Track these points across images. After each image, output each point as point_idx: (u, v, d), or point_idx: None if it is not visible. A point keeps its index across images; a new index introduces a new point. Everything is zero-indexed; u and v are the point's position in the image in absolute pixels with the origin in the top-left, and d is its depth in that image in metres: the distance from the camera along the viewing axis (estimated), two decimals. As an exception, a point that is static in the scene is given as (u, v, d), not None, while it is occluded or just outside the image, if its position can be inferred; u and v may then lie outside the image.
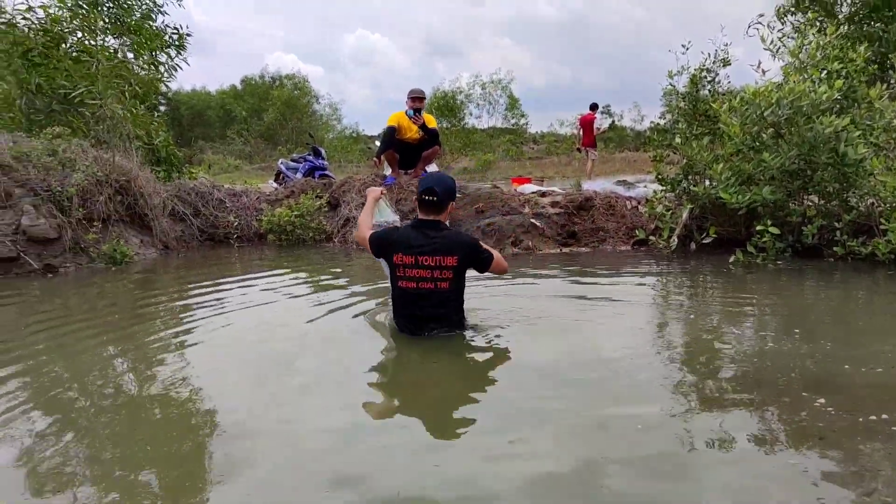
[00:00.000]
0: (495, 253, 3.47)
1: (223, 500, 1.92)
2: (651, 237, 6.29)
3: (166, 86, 9.97)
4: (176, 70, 9.61)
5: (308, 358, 3.33)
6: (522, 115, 37.37)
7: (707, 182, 6.11)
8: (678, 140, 6.30)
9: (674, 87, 6.65)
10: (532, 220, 6.93)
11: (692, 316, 4.11)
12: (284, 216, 7.70)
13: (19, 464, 2.18)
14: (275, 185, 12.84)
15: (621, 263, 6.00)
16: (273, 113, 33.04)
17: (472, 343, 3.40)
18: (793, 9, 13.61)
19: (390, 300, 3.54)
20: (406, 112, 8.54)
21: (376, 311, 4.09)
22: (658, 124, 6.99)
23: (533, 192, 8.35)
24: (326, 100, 37.77)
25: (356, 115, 75.98)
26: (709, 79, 6.50)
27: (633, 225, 6.96)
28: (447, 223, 3.44)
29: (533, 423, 2.40)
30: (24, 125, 8.01)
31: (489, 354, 3.28)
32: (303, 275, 5.94)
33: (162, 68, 9.48)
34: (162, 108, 10.18)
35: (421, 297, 3.33)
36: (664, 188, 6.68)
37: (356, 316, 4.05)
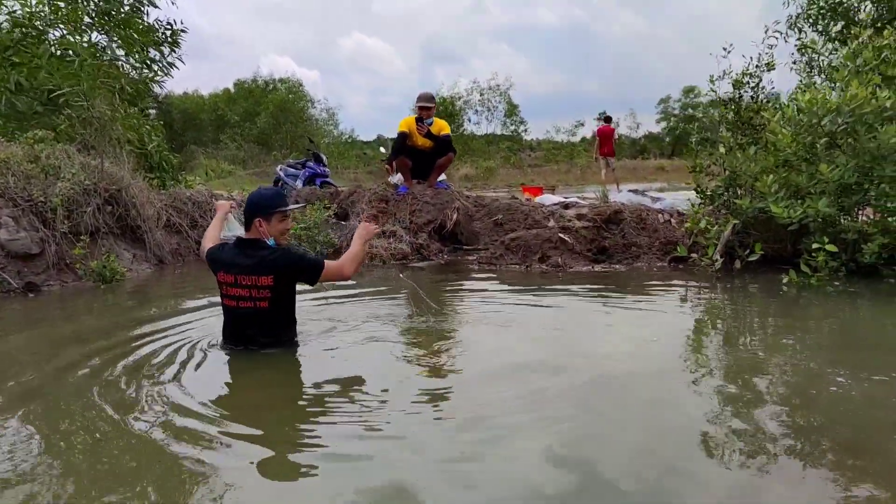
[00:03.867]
0: (331, 262, 3.45)
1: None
2: (693, 255, 5.74)
3: (160, 86, 9.34)
4: (170, 69, 8.99)
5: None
6: (521, 122, 36.92)
7: (751, 195, 5.60)
8: (722, 150, 5.77)
9: (715, 92, 6.09)
10: (560, 235, 6.38)
11: (740, 341, 3.75)
12: (291, 229, 7.11)
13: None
14: (273, 192, 12.27)
15: (661, 282, 5.50)
16: (266, 117, 32.35)
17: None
18: (810, 18, 13.08)
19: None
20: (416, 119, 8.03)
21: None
22: (700, 130, 6.40)
23: (555, 204, 7.82)
24: (322, 104, 37.01)
25: (352, 121, 75.34)
26: (752, 84, 5.96)
27: (666, 240, 6.43)
28: (269, 240, 3.39)
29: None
30: (3, 128, 7.39)
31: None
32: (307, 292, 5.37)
33: (155, 67, 8.85)
34: (153, 112, 9.33)
35: (243, 316, 3.37)
36: (702, 201, 6.15)
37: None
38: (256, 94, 34.15)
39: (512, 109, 36.56)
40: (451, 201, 7.80)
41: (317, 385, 3.13)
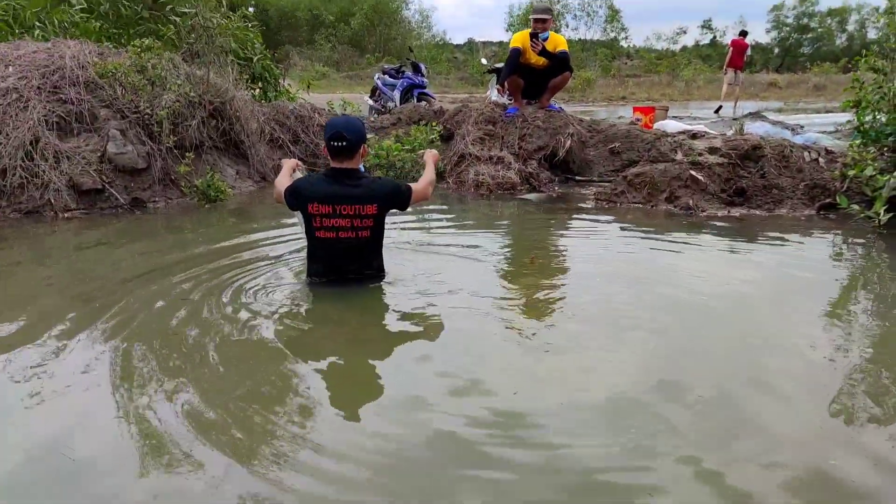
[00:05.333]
0: (415, 185, 3.47)
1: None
2: (855, 205, 5.04)
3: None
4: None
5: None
6: (623, 29, 34.79)
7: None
8: (900, 83, 4.95)
9: (894, 13, 5.18)
10: (691, 172, 5.77)
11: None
12: (394, 150, 6.73)
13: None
14: (370, 101, 11.94)
15: (808, 232, 4.89)
16: (360, 18, 31.61)
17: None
18: None
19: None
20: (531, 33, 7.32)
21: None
22: (872, 57, 5.47)
23: (680, 133, 7.12)
24: (416, 6, 35.95)
25: (443, 23, 72.99)
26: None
27: (812, 182, 5.70)
28: (362, 168, 3.42)
29: None
30: (106, 33, 7.19)
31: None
32: (411, 219, 5.09)
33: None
34: (251, 10, 8.80)
35: (342, 247, 3.31)
36: (863, 140, 5.38)
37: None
38: (352, -8, 33.34)
39: (613, 15, 34.48)
40: (564, 126, 7.21)
41: (403, 317, 3.16)
